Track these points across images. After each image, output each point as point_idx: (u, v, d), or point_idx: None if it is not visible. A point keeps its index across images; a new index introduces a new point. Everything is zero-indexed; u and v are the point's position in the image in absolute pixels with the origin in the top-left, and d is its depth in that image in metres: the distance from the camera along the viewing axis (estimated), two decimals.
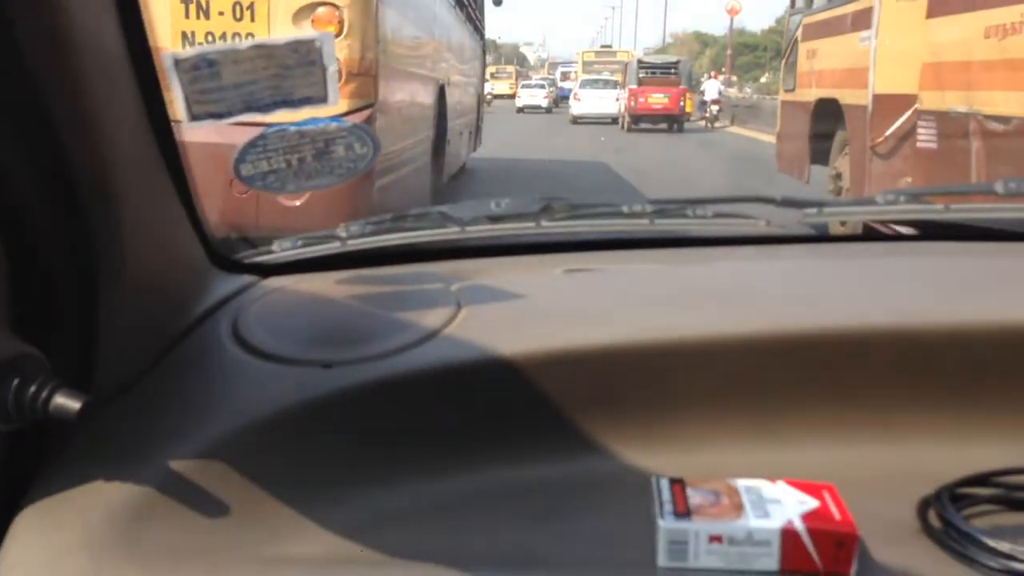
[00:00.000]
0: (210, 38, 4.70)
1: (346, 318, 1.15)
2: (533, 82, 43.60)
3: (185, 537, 0.82)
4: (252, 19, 4.73)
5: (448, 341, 1.04)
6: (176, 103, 0.87)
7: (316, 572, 0.82)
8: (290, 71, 0.91)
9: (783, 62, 10.02)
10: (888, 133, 6.51)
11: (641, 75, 26.85)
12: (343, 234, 1.25)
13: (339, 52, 4.54)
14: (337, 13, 4.75)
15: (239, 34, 4.71)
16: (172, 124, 0.91)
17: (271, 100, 0.91)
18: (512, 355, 1.01)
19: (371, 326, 1.09)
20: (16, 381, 0.75)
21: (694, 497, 0.88)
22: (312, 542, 0.87)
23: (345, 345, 1.03)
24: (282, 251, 1.27)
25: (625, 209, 1.27)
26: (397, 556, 0.85)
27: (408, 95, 6.42)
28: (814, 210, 1.29)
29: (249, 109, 0.90)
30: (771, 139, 10.87)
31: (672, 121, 26.43)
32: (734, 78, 43.50)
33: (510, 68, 60.14)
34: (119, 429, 0.89)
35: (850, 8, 7.46)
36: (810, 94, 8.35)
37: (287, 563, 0.84)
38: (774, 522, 0.84)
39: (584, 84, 31.86)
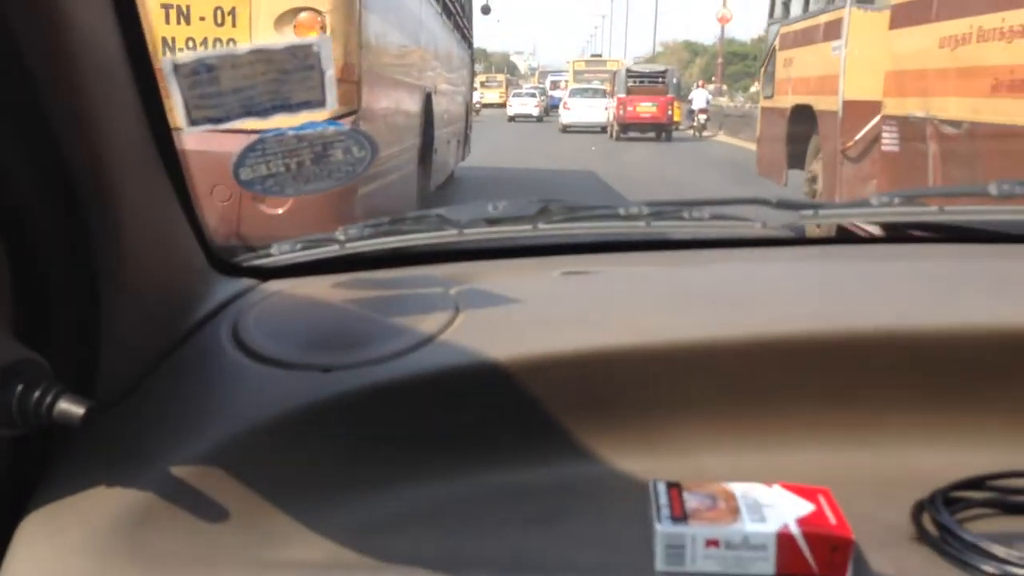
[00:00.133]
0: (191, 44, 4.67)
1: (345, 322, 1.16)
2: (524, 91, 43.78)
3: (186, 541, 0.82)
4: (234, 24, 4.70)
5: (446, 345, 1.04)
6: (175, 108, 0.87)
7: None
8: (288, 75, 0.91)
9: (762, 70, 10.56)
10: (857, 138, 6.97)
11: (630, 84, 27.08)
12: (341, 237, 1.25)
13: None
14: (319, 18, 4.71)
15: (220, 40, 4.67)
16: (171, 127, 0.92)
17: (269, 104, 0.91)
18: (510, 359, 1.01)
19: (369, 330, 1.09)
20: (20, 387, 0.75)
21: (691, 501, 0.88)
22: (311, 546, 0.87)
23: (344, 349, 1.03)
24: (281, 254, 1.28)
25: (622, 211, 1.28)
26: (395, 560, 0.85)
27: (393, 102, 6.38)
28: (810, 212, 1.29)
29: (248, 114, 0.90)
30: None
31: (660, 130, 26.66)
32: (725, 87, 43.63)
33: (500, 77, 60.20)
34: (121, 434, 0.89)
35: (822, 19, 7.93)
36: (787, 101, 8.79)
37: (286, 567, 0.84)
38: (770, 526, 0.84)
39: (574, 93, 32.15)
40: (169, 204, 0.97)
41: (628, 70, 29.25)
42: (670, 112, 26.80)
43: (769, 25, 10.40)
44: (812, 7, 8.60)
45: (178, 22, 4.67)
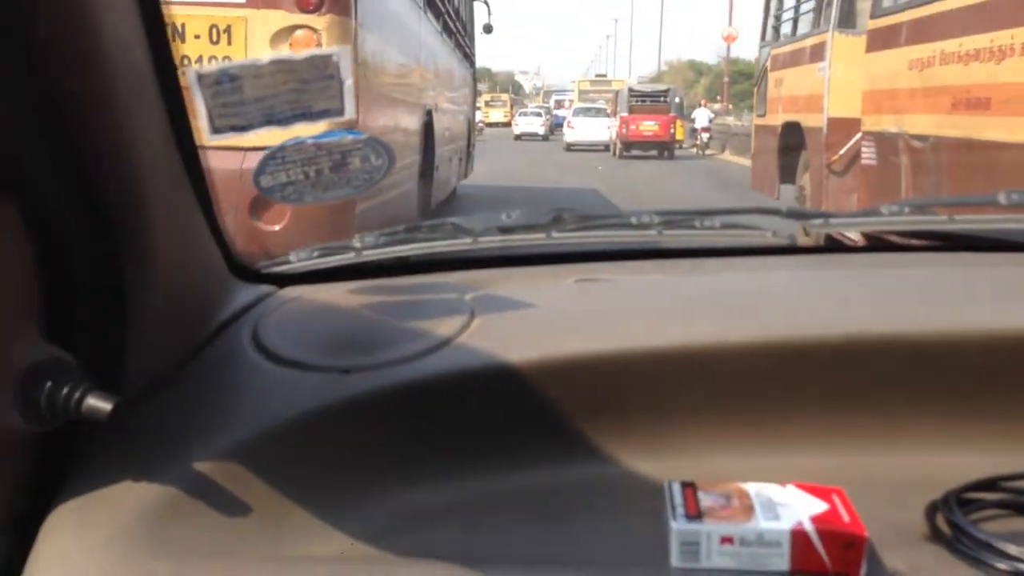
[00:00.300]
0: (186, 61, 4.62)
1: (362, 326, 1.17)
2: (530, 110, 44.25)
3: (209, 535, 0.84)
4: (229, 42, 4.69)
5: (462, 348, 1.06)
6: (199, 117, 0.89)
7: (334, 571, 0.84)
8: (308, 85, 0.93)
9: (756, 90, 11.05)
10: (841, 152, 7.46)
11: (632, 103, 27.33)
12: (358, 245, 1.27)
13: None
14: (315, 36, 4.69)
15: (216, 57, 4.63)
16: (195, 138, 0.94)
17: (290, 113, 0.93)
18: (525, 362, 1.03)
19: (387, 333, 1.11)
20: (49, 384, 0.77)
21: (705, 500, 0.89)
22: (330, 542, 0.89)
23: (362, 352, 1.05)
24: (299, 261, 1.30)
25: (634, 220, 1.29)
26: (412, 556, 0.87)
27: (391, 119, 6.38)
28: (820, 221, 1.31)
29: (269, 122, 0.92)
30: None
31: (663, 148, 26.83)
32: (730, 106, 43.71)
33: (505, 96, 60.43)
34: (147, 432, 0.91)
35: (809, 42, 8.50)
36: (778, 119, 9.28)
37: (306, 562, 0.85)
38: (784, 524, 0.85)
39: (577, 112, 32.48)
40: (193, 213, 0.99)
41: (631, 89, 29.50)
42: (672, 130, 27.04)
43: (761, 48, 10.82)
44: (800, 31, 9.13)
45: (173, 39, 4.65)
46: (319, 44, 4.67)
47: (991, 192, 1.22)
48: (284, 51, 4.63)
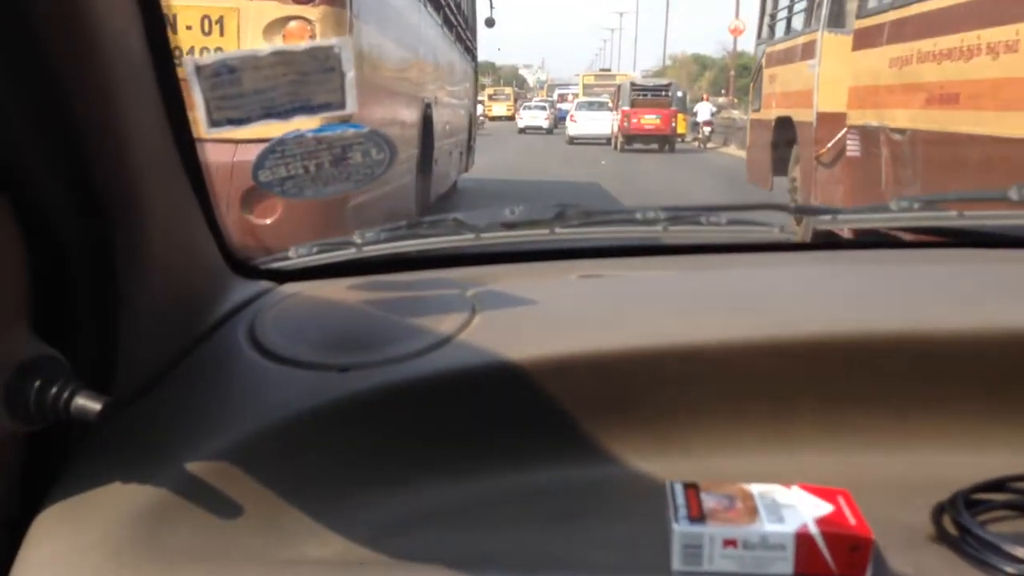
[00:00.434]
0: (177, 53, 4.55)
1: (361, 323, 1.16)
2: (534, 104, 44.61)
3: (202, 538, 0.83)
4: (221, 33, 4.62)
5: (464, 346, 1.05)
6: (197, 109, 0.88)
7: (330, 574, 0.83)
8: (308, 77, 0.92)
9: (751, 86, 11.73)
10: (829, 145, 7.84)
11: (633, 97, 27.52)
12: (358, 240, 1.26)
13: None
14: (309, 27, 4.63)
15: (208, 49, 4.56)
16: (192, 132, 0.93)
17: (290, 106, 0.92)
18: (527, 360, 1.01)
19: (386, 331, 1.10)
20: (38, 382, 0.76)
21: (708, 501, 0.88)
22: (326, 544, 0.88)
23: (361, 349, 1.03)
24: (298, 257, 1.28)
25: (639, 216, 1.28)
26: (412, 559, 0.86)
27: (388, 113, 6.32)
28: (827, 217, 1.29)
29: (268, 115, 0.91)
30: None
31: (664, 141, 27.09)
32: (735, 100, 43.69)
33: (508, 90, 60.48)
34: (138, 431, 0.90)
35: (800, 40, 8.97)
36: (771, 113, 9.78)
37: (301, 564, 0.84)
38: (789, 526, 0.84)
39: (580, 106, 32.91)
40: (190, 208, 0.98)
41: (632, 83, 29.75)
42: (673, 124, 27.32)
43: (757, 45, 11.38)
44: (792, 30, 9.58)
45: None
46: (313, 35, 4.62)
47: (1001, 188, 1.21)
48: (278, 43, 4.53)
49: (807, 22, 8.91)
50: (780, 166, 9.51)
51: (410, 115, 7.31)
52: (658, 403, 1.05)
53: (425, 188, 8.08)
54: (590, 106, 32.41)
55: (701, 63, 76.18)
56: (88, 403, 0.76)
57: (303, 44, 0.91)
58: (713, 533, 0.84)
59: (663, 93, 28.18)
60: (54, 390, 0.76)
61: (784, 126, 9.25)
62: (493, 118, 49.51)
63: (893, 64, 6.46)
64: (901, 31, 6.38)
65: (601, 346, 1.05)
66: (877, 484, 0.95)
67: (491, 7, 13.68)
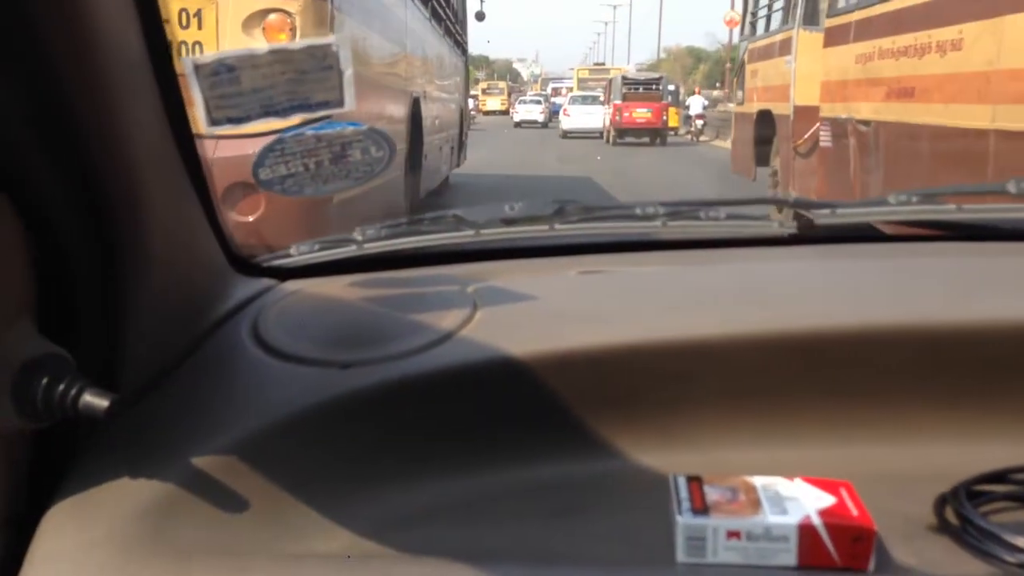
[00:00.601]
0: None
1: (363, 320, 1.16)
2: (529, 98, 44.98)
3: (209, 533, 0.83)
4: (200, 27, 4.50)
5: (465, 341, 1.05)
6: (196, 108, 0.88)
7: (336, 568, 0.83)
8: (307, 76, 0.92)
9: (735, 80, 12.48)
10: (805, 136, 8.27)
11: (625, 91, 27.71)
12: (359, 237, 1.26)
13: None
14: (289, 20, 4.49)
15: (186, 43, 4.48)
16: (192, 130, 0.93)
17: (288, 104, 0.92)
18: (529, 355, 1.02)
19: (388, 327, 1.10)
20: (45, 380, 0.76)
21: (711, 494, 0.88)
22: (331, 539, 0.88)
23: (363, 346, 1.04)
24: (299, 255, 1.29)
25: (638, 211, 1.28)
26: (416, 553, 0.86)
27: (374, 108, 6.23)
28: (827, 211, 1.29)
29: (267, 114, 0.91)
30: None
31: (655, 135, 27.35)
32: (731, 92, 43.80)
33: (502, 84, 60.56)
34: (144, 428, 0.90)
35: (778, 37, 9.51)
36: (753, 107, 10.38)
37: (307, 559, 0.84)
38: (792, 518, 0.84)
39: (573, 100, 33.22)
40: (191, 206, 0.98)
41: (624, 77, 29.97)
42: (664, 117, 27.58)
43: (740, 42, 12.06)
44: (772, 27, 10.11)
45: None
46: (293, 29, 4.52)
47: (999, 181, 1.21)
48: (257, 36, 4.47)
49: (785, 20, 9.38)
50: (762, 157, 9.96)
51: (397, 110, 7.25)
52: (659, 397, 1.05)
53: (415, 184, 8.03)
54: (583, 100, 32.70)
55: (696, 56, 76.12)
56: (96, 400, 0.77)
57: (301, 42, 0.91)
58: (717, 525, 0.85)
59: (654, 87, 28.42)
60: (61, 387, 0.76)
61: (765, 119, 9.73)
62: (487, 112, 49.62)
63: (858, 60, 6.94)
64: (864, 30, 6.86)
65: (602, 341, 1.05)
66: (878, 476, 0.96)
67: (481, 0, 13.64)
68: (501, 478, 0.98)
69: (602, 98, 31.48)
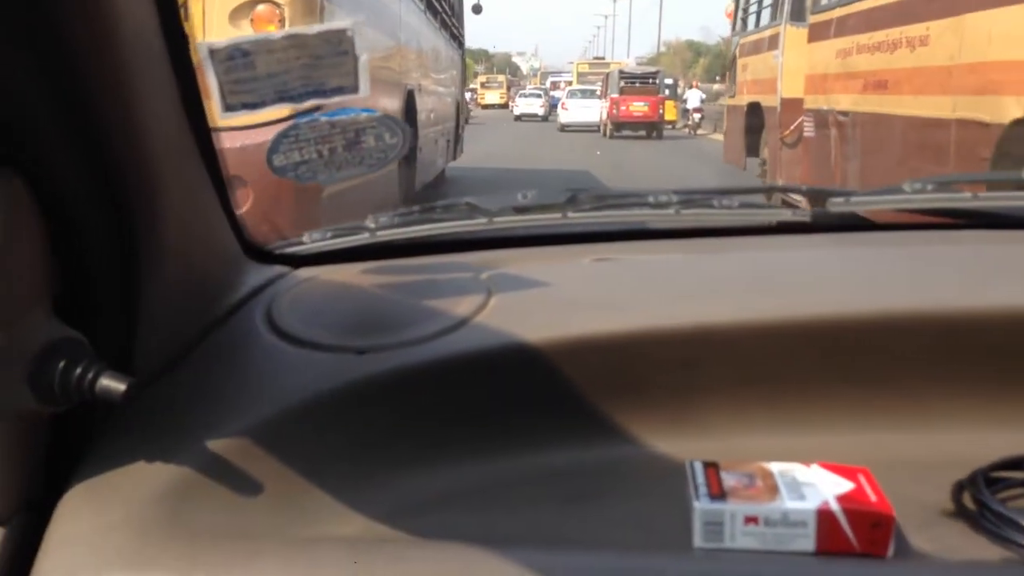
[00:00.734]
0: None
1: (377, 306, 1.16)
2: (529, 92, 45.26)
3: (224, 517, 0.83)
4: (185, 18, 4.43)
5: (480, 327, 1.05)
6: (211, 94, 0.87)
7: (351, 551, 0.83)
8: (321, 61, 0.91)
9: (727, 75, 12.89)
10: (791, 127, 8.72)
11: (622, 85, 27.80)
12: (372, 225, 1.26)
13: None
14: (278, 11, 4.39)
15: None
16: (207, 118, 0.92)
17: (303, 90, 0.91)
18: (544, 342, 1.01)
19: (403, 314, 1.10)
20: (62, 363, 0.76)
21: (728, 480, 0.88)
22: (346, 523, 0.88)
23: (378, 332, 1.04)
24: (312, 242, 1.29)
25: (651, 199, 1.28)
26: (432, 537, 0.86)
27: (367, 101, 6.18)
28: (841, 199, 1.29)
29: (281, 99, 0.91)
30: None
31: (652, 128, 27.56)
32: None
33: (501, 77, 60.56)
34: (160, 412, 0.90)
35: (767, 33, 10.03)
36: (744, 99, 10.93)
37: (322, 542, 0.84)
38: (810, 503, 0.84)
39: (571, 94, 33.52)
40: (206, 193, 0.98)
41: (620, 71, 30.16)
42: (661, 111, 27.70)
43: (732, 37, 12.50)
44: (761, 23, 10.60)
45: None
46: (282, 20, 4.42)
47: (1015, 170, 1.21)
48: (245, 27, 4.37)
49: (773, 16, 9.85)
50: (752, 147, 10.56)
51: (391, 103, 7.20)
52: (673, 384, 1.05)
53: (409, 177, 7.99)
54: (582, 94, 32.96)
55: (696, 49, 76.05)
56: (113, 383, 0.77)
57: (317, 27, 0.90)
58: (734, 510, 0.84)
59: (651, 81, 28.55)
60: (78, 371, 0.76)
61: (755, 111, 10.28)
62: (486, 106, 49.60)
63: (839, 55, 7.39)
64: (844, 26, 7.32)
65: (617, 328, 1.05)
66: (895, 463, 0.95)
67: None
68: (515, 464, 0.98)
69: (599, 92, 31.59)
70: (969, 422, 1.04)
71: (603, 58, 67.11)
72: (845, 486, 0.87)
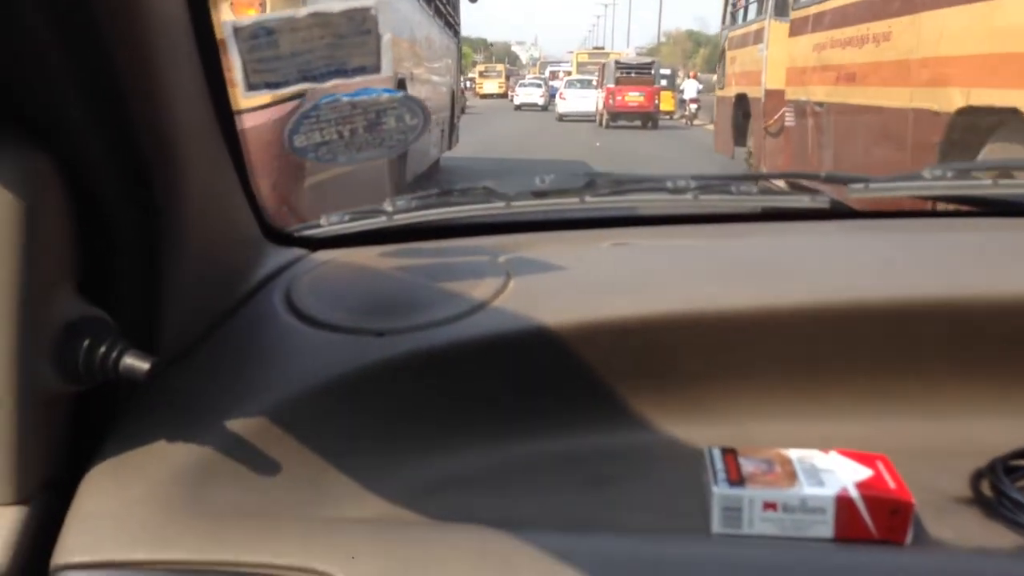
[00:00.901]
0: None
1: (396, 289, 1.16)
2: (529, 81, 45.55)
3: (245, 496, 0.84)
4: None
5: (499, 311, 1.05)
6: (234, 73, 0.87)
7: (370, 532, 0.83)
8: (344, 40, 0.91)
9: (717, 67, 13.34)
10: (775, 118, 9.07)
11: (618, 75, 27.87)
12: (389, 208, 1.26)
13: None
14: None
15: None
16: (231, 101, 0.92)
17: (325, 69, 0.91)
18: (562, 326, 1.01)
19: (421, 296, 1.10)
20: (86, 342, 0.77)
21: (747, 466, 0.88)
22: (364, 504, 0.88)
23: (396, 314, 1.04)
24: (330, 225, 1.29)
25: (669, 184, 1.27)
26: (450, 519, 0.86)
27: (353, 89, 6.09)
28: (860, 186, 1.28)
29: (304, 79, 0.90)
30: None
31: (647, 118, 27.71)
32: None
33: (499, 67, 60.45)
34: (181, 392, 0.91)
35: (753, 27, 10.59)
36: (732, 91, 11.43)
37: (342, 523, 0.85)
38: (828, 490, 0.84)
39: (570, 84, 33.65)
40: (227, 175, 0.98)
41: (616, 62, 30.28)
42: (656, 101, 27.89)
43: (722, 31, 13.00)
44: (748, 18, 11.10)
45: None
46: (263, 3, 4.37)
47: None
48: (225, 12, 4.31)
49: (759, 11, 10.30)
50: (740, 137, 11.03)
51: (371, 84, 7.13)
52: (691, 369, 1.04)
53: (400, 167, 7.94)
54: (580, 84, 33.13)
55: (696, 40, 75.91)
56: (136, 362, 0.77)
57: (340, 5, 0.90)
58: (753, 496, 0.84)
59: (647, 71, 28.58)
60: (102, 350, 0.77)
61: (742, 102, 10.78)
62: (484, 96, 49.58)
63: (815, 49, 7.79)
64: (820, 22, 7.72)
65: (635, 312, 1.05)
66: (913, 450, 0.95)
67: None
68: (534, 448, 0.98)
69: (594, 83, 31.64)
70: (988, 410, 1.04)
71: (603, 48, 66.93)
72: (864, 473, 0.87)
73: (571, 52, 60.06)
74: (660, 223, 1.47)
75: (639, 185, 1.32)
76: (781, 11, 9.27)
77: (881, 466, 0.88)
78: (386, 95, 1.01)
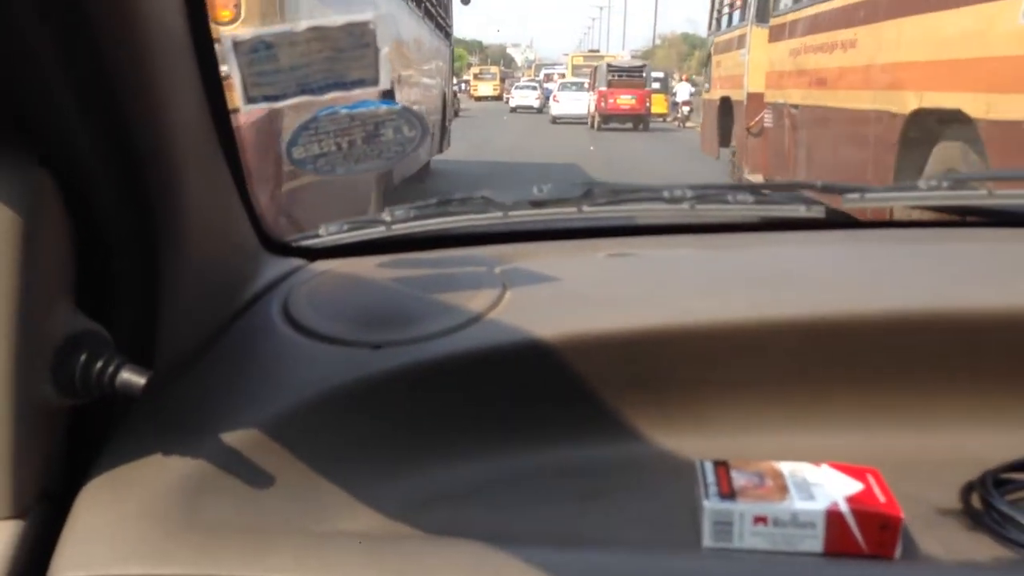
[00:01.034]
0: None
1: (393, 300, 1.17)
2: (524, 84, 45.87)
3: (240, 510, 0.84)
4: None
5: (495, 323, 1.05)
6: (233, 86, 0.87)
7: (365, 547, 0.83)
8: (343, 53, 0.91)
9: (704, 70, 14.23)
10: (756, 120, 9.48)
11: (610, 78, 28.11)
12: (388, 218, 1.26)
13: None
14: (234, 1, 4.17)
15: None
16: (229, 111, 0.92)
17: (324, 82, 0.91)
18: (558, 338, 1.02)
19: (418, 308, 1.10)
20: (83, 356, 0.77)
21: (738, 479, 0.89)
22: (360, 518, 0.89)
23: (393, 326, 1.04)
24: (329, 235, 1.29)
25: (666, 194, 1.28)
26: (444, 533, 0.86)
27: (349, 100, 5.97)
28: (856, 195, 1.29)
29: (303, 92, 0.91)
30: None
31: (638, 120, 28.00)
32: None
33: (494, 69, 60.53)
34: (177, 405, 0.91)
35: (736, 32, 10.99)
36: (717, 94, 11.93)
37: (337, 537, 0.85)
38: (819, 504, 0.84)
39: (563, 87, 34.06)
40: (225, 186, 0.99)
41: (608, 65, 30.73)
42: (647, 104, 28.22)
43: (708, 36, 13.58)
44: (732, 23, 11.49)
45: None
46: (238, 5, 4.21)
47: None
48: None
49: (742, 17, 10.69)
50: (724, 139, 11.49)
51: (366, 96, 7.05)
52: (686, 381, 1.05)
53: (387, 171, 7.92)
54: (574, 87, 33.47)
55: (691, 43, 75.87)
56: (133, 377, 0.77)
57: (339, 19, 0.90)
58: (743, 510, 0.85)
59: (638, 74, 28.84)
60: (99, 364, 0.77)
61: (726, 105, 11.24)
62: (479, 98, 49.61)
63: (791, 54, 8.16)
64: (795, 28, 8.12)
65: (631, 324, 1.05)
66: (905, 463, 0.96)
67: None
68: (528, 461, 0.99)
69: (586, 85, 31.79)
70: (980, 423, 1.04)
71: (598, 51, 66.95)
72: (854, 487, 0.87)
73: (566, 54, 60.30)
74: (657, 232, 1.47)
75: (636, 195, 1.33)
76: (762, 17, 9.60)
77: (872, 480, 0.89)
78: (384, 107, 1.02)
